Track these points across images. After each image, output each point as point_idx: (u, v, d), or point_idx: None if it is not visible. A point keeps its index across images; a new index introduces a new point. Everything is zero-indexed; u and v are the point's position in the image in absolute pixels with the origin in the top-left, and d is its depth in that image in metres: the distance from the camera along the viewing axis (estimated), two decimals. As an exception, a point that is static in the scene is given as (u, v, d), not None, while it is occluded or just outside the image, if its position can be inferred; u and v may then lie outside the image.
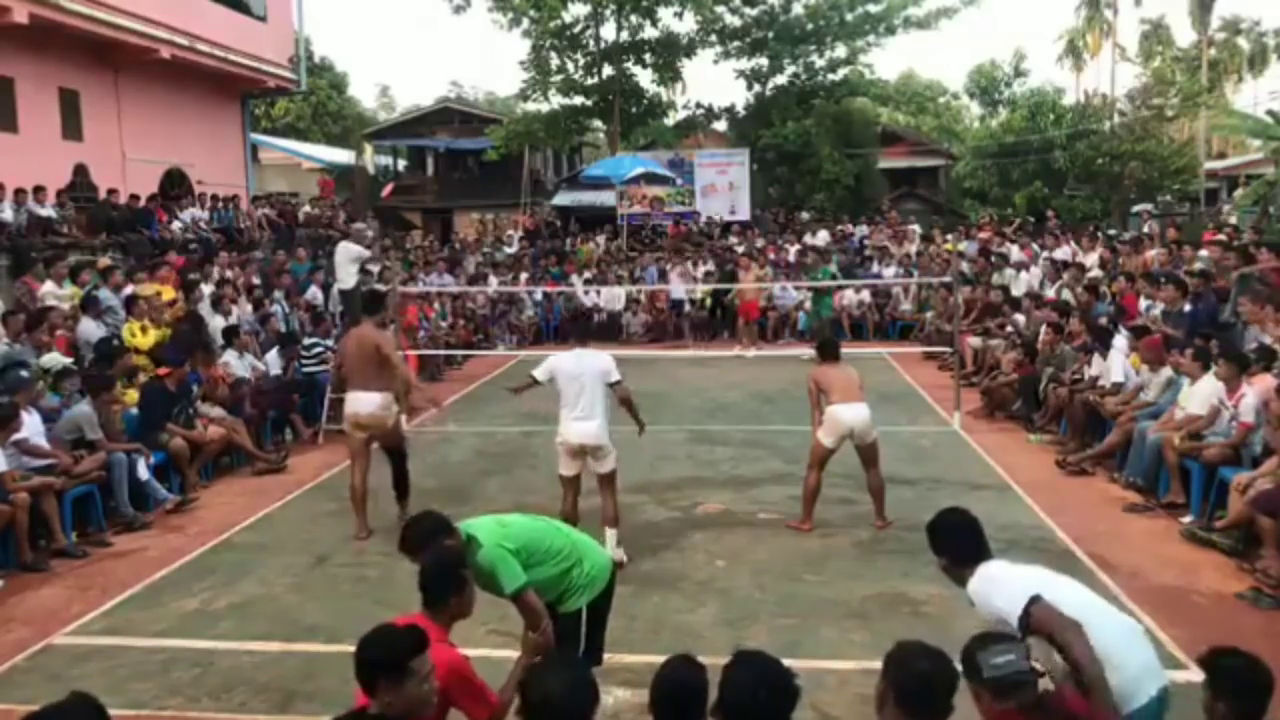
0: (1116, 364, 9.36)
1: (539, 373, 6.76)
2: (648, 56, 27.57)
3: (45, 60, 15.53)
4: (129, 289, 10.99)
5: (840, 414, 7.11)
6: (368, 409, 7.43)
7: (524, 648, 3.84)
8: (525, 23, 26.39)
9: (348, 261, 13.87)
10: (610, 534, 6.65)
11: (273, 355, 11.31)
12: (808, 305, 17.83)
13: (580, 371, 6.61)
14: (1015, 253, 17.65)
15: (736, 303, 17.64)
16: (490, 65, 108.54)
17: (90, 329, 9.85)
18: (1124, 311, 11.25)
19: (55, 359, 8.96)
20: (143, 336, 9.98)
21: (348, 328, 12.96)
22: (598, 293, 19.03)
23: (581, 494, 6.86)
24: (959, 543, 3.70)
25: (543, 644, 3.81)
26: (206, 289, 12.27)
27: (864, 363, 9.77)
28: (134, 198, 15.56)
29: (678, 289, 18.60)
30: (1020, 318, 13.07)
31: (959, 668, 2.80)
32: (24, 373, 8.04)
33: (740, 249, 20.73)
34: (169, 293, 11.45)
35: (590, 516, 6.80)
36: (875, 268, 19.22)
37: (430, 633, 3.33)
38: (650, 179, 24.82)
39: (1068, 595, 3.35)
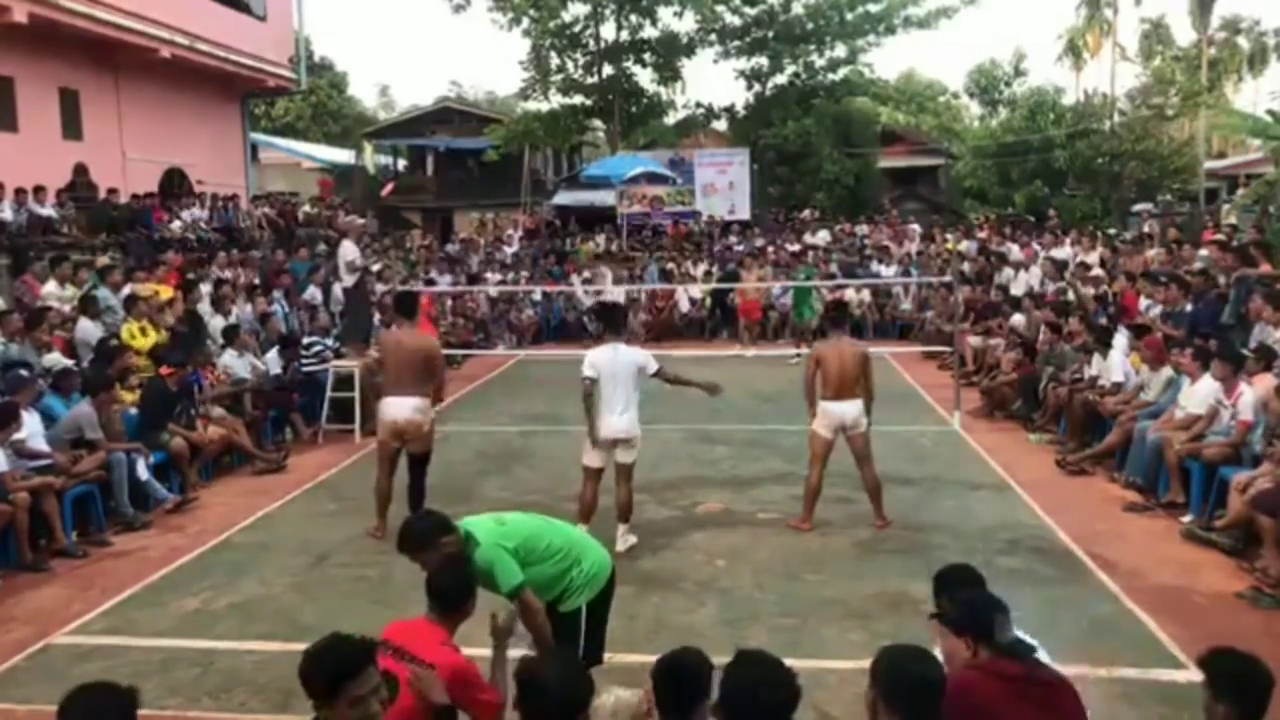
0: (1116, 364, 9.36)
1: (587, 370, 6.74)
2: (647, 56, 27.57)
3: (45, 60, 15.53)
4: (128, 289, 10.99)
5: (829, 409, 7.17)
6: (406, 414, 7.25)
7: (493, 634, 3.76)
8: (525, 22, 26.41)
9: (345, 261, 13.88)
10: (621, 528, 6.86)
11: (273, 355, 11.30)
12: (786, 301, 17.62)
13: (616, 368, 6.69)
14: (1015, 252, 17.66)
15: (737, 302, 17.64)
16: (490, 65, 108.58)
17: (88, 329, 9.85)
18: (1124, 311, 11.26)
19: (56, 359, 8.96)
20: (142, 338, 9.98)
21: (347, 328, 13.02)
22: (598, 293, 19.01)
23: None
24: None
25: (504, 631, 3.71)
26: (206, 289, 12.27)
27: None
28: (135, 197, 15.56)
29: (601, 292, 18.47)
30: (1020, 318, 13.07)
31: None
32: (23, 372, 8.04)
33: (740, 249, 20.76)
34: (166, 292, 11.46)
35: (600, 515, 6.84)
36: (875, 267, 19.21)
37: (434, 636, 3.35)
38: (650, 179, 24.81)
39: None
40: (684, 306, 19.21)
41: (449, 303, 17.31)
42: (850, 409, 7.15)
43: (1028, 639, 3.09)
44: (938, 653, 2.98)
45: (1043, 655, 3.17)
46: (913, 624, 5.54)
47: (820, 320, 7.94)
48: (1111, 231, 20.51)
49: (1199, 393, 7.69)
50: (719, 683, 2.65)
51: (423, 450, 7.43)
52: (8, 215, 12.97)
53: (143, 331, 10.09)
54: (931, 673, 2.64)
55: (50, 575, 6.81)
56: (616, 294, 18.09)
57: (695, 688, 2.76)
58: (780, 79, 28.36)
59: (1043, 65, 53.88)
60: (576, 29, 26.99)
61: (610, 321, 7.42)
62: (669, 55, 27.52)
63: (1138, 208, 26.30)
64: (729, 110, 29.08)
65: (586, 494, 6.86)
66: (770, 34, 26.78)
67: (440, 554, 3.83)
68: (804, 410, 7.44)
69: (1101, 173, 27.50)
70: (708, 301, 19.01)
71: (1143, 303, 11.18)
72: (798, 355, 14.61)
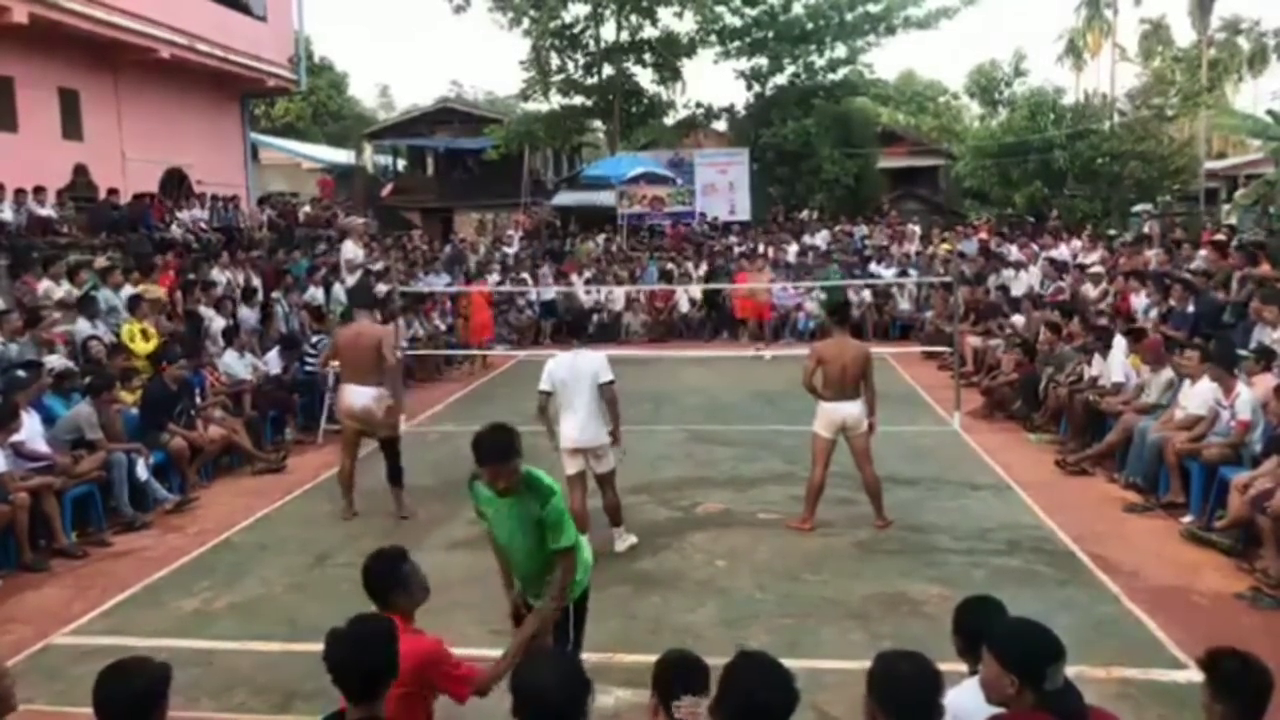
0: (1117, 364, 9.36)
1: (543, 384, 6.70)
2: (648, 56, 27.56)
3: (45, 60, 15.53)
4: (127, 289, 10.99)
5: (830, 409, 7.16)
6: (361, 402, 7.70)
7: (538, 617, 3.87)
8: (525, 23, 26.40)
9: (345, 260, 13.92)
10: (616, 531, 6.88)
11: (273, 355, 11.31)
12: (807, 305, 17.80)
13: (575, 375, 6.61)
14: (1014, 252, 17.66)
15: (730, 302, 17.71)
16: (490, 65, 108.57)
17: (84, 329, 9.85)
18: (1122, 312, 11.26)
19: (56, 359, 8.96)
20: (143, 342, 9.93)
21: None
22: (598, 293, 19.01)
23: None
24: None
25: (551, 619, 3.85)
26: (208, 288, 12.28)
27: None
28: (136, 197, 15.56)
29: (547, 291, 18.58)
30: (1019, 319, 13.06)
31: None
32: (21, 373, 8.04)
33: (740, 249, 20.78)
34: (161, 293, 11.49)
35: (597, 518, 6.83)
36: (875, 268, 19.22)
37: (398, 624, 3.35)
38: (650, 179, 24.80)
39: None
40: (684, 307, 19.20)
41: (448, 303, 17.31)
42: (851, 409, 7.13)
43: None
44: (972, 682, 2.92)
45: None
46: (912, 624, 5.55)
47: (829, 313, 7.89)
48: (1111, 232, 20.50)
49: (1199, 393, 7.69)
50: (718, 683, 2.64)
51: (385, 436, 7.89)
52: (8, 215, 12.97)
53: (144, 334, 10.07)
54: (925, 673, 2.62)
55: (50, 575, 6.82)
56: (549, 294, 18.32)
57: (703, 682, 2.75)
58: (780, 79, 28.34)
59: (1043, 65, 53.85)
60: (576, 29, 26.99)
61: (576, 327, 7.44)
62: (669, 55, 27.51)
63: (1138, 208, 26.31)
64: (729, 110, 29.07)
65: (574, 503, 6.68)
66: (770, 34, 26.75)
67: (514, 470, 3.87)
68: (804, 410, 7.43)
69: (1102, 173, 27.44)
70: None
71: (1139, 303, 11.18)
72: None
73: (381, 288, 15.07)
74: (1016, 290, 14.88)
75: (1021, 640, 2.79)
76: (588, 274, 19.71)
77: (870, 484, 7.31)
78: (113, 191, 15.52)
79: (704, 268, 19.93)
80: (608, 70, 27.07)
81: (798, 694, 2.56)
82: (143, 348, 9.85)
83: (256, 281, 13.81)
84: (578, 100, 27.74)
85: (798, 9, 26.86)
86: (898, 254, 19.86)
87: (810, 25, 26.88)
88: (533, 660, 2.78)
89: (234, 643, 5.58)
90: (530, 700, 2.56)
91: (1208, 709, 2.77)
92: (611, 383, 6.62)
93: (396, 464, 7.89)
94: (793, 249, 20.54)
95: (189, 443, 8.84)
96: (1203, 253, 12.26)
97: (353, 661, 2.78)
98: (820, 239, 21.61)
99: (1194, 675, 4.30)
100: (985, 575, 6.31)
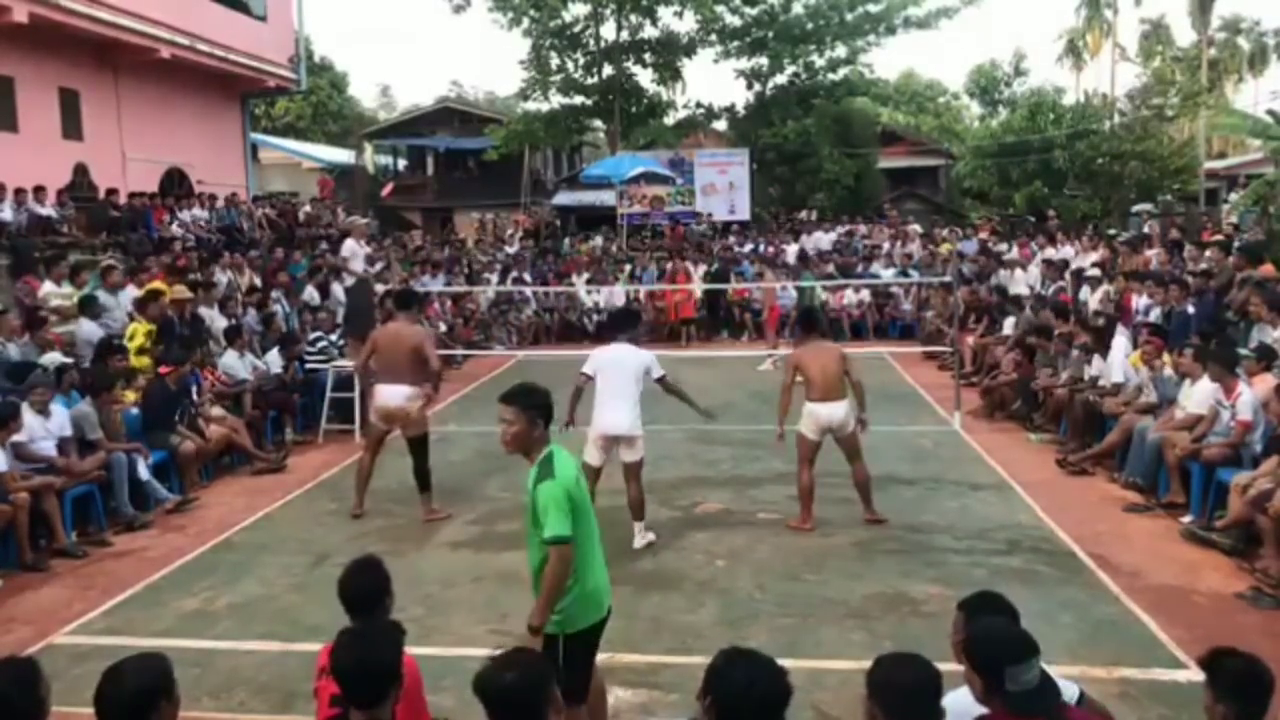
0: (1117, 364, 9.36)
1: (586, 367, 6.92)
2: (648, 56, 27.58)
3: (45, 60, 15.53)
4: (129, 288, 10.98)
5: (817, 411, 7.17)
6: (396, 401, 7.75)
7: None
8: (525, 22, 26.41)
9: (341, 258, 13.90)
10: (637, 526, 6.98)
11: (273, 355, 11.30)
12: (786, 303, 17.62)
13: (617, 365, 6.83)
14: (1014, 252, 17.66)
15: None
16: (490, 65, 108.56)
17: (89, 329, 9.84)
18: (1124, 311, 11.25)
19: (55, 358, 8.96)
20: (146, 343, 9.89)
21: (350, 325, 13.02)
22: (598, 292, 19.00)
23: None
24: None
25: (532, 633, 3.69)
26: (210, 288, 12.28)
27: (864, 363, 9.76)
28: (134, 196, 15.56)
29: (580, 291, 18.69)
30: (1011, 320, 13.04)
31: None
32: (39, 370, 8.06)
33: (739, 249, 20.76)
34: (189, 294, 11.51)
35: (608, 517, 6.81)
36: (875, 267, 19.19)
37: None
38: (650, 179, 24.80)
39: None
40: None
41: (449, 303, 17.31)
42: (837, 410, 7.14)
43: (1068, 686, 2.92)
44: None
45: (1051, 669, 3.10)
46: (912, 624, 5.55)
47: (799, 320, 8.00)
48: (1111, 232, 20.49)
49: (1199, 393, 7.69)
50: (711, 680, 2.61)
51: (418, 434, 7.87)
52: (8, 215, 12.97)
53: (148, 335, 10.04)
54: (924, 676, 2.62)
55: (50, 575, 6.82)
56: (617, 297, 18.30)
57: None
58: (780, 79, 28.36)
59: (1043, 65, 53.98)
60: (576, 29, 27.00)
61: (619, 323, 7.64)
62: (669, 55, 27.53)
63: (1138, 208, 26.28)
64: (729, 110, 29.07)
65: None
66: (770, 34, 26.74)
67: (513, 419, 3.81)
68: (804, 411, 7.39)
69: (1102, 173, 27.44)
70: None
71: (1139, 302, 11.17)
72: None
73: (379, 287, 15.06)
74: (1015, 289, 14.86)
75: (986, 642, 2.81)
76: (587, 274, 19.69)
77: (860, 479, 7.34)
78: (113, 191, 15.52)
79: (703, 268, 19.91)
80: (608, 70, 27.08)
81: (790, 689, 2.55)
82: (144, 350, 9.80)
83: (257, 281, 13.81)
84: (578, 100, 27.75)
85: (798, 9, 26.87)
86: (898, 254, 19.84)
87: (810, 25, 26.90)
88: (495, 661, 2.70)
89: (234, 643, 5.57)
90: (493, 700, 2.54)
91: (1209, 709, 2.77)
92: (664, 375, 6.95)
93: (424, 464, 7.86)
94: (792, 249, 20.51)
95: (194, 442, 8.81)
96: (1208, 253, 12.24)
97: (368, 665, 2.74)
98: (827, 241, 21.53)
99: (1194, 675, 4.30)
100: (985, 575, 6.30)
